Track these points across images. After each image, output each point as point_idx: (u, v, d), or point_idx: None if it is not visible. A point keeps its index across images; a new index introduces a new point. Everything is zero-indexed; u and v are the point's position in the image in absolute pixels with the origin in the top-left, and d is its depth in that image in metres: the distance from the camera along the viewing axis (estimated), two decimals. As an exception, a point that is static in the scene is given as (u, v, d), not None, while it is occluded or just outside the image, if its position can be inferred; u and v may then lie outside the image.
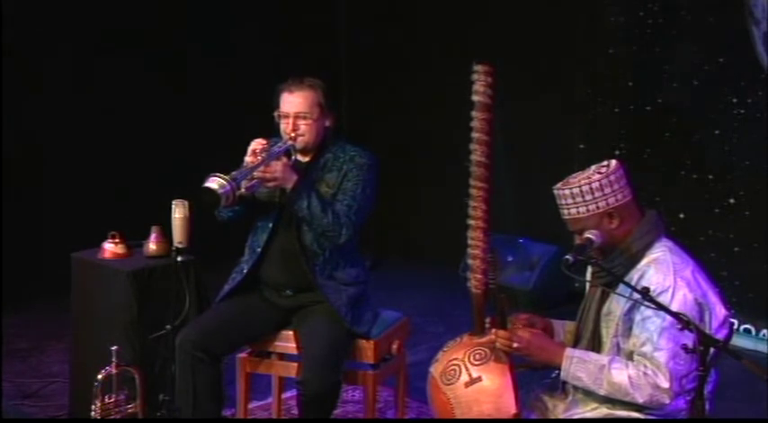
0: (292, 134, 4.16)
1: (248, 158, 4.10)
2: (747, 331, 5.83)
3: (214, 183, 3.88)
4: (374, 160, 4.24)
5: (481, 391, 3.41)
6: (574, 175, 3.41)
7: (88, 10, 6.61)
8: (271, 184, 4.11)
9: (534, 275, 6.52)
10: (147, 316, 4.48)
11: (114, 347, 4.14)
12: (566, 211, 3.38)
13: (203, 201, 3.90)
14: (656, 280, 3.26)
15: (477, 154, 3.43)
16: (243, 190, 4.01)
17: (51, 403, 5.03)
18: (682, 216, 5.98)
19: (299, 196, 4.06)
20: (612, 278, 3.34)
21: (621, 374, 3.24)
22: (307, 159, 4.25)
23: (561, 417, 3.43)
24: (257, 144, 4.13)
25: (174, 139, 6.88)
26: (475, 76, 3.43)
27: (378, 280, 5.26)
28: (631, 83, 6.24)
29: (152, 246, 4.62)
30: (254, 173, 4.04)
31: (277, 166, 4.06)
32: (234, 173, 3.97)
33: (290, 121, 4.18)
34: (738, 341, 5.63)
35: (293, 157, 4.20)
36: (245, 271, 4.29)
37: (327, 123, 4.25)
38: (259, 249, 4.25)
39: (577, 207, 3.34)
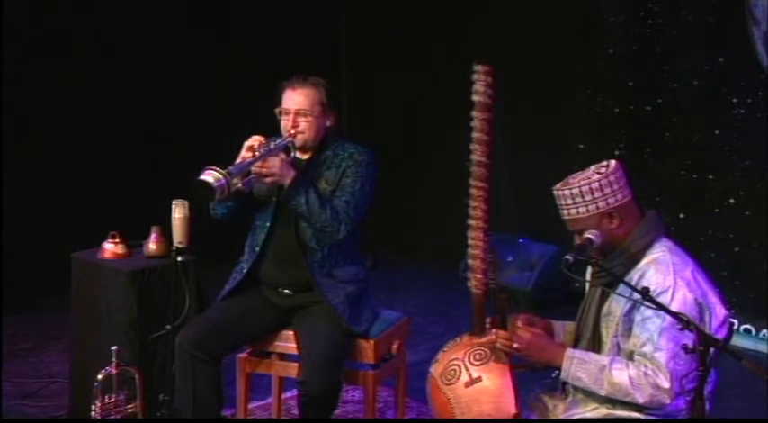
0: (292, 131, 4.16)
1: (244, 153, 4.09)
2: (747, 331, 5.82)
3: (209, 176, 3.87)
4: (373, 157, 4.23)
5: (481, 391, 3.41)
6: (573, 175, 3.41)
7: (88, 9, 6.61)
8: (268, 180, 4.10)
9: (534, 275, 6.51)
10: (147, 316, 4.48)
11: (114, 347, 4.14)
12: (565, 212, 3.38)
13: (198, 194, 3.89)
14: (655, 280, 3.26)
15: (477, 154, 3.44)
16: (239, 185, 4.00)
17: (51, 403, 5.02)
18: (682, 216, 5.98)
19: (296, 192, 4.05)
20: (612, 278, 3.34)
21: (622, 375, 3.24)
22: (306, 157, 4.24)
23: (561, 417, 3.43)
24: (254, 140, 4.11)
25: (175, 139, 6.87)
26: (475, 76, 3.44)
27: (378, 280, 5.26)
28: (631, 83, 6.24)
29: (152, 246, 4.61)
30: (252, 168, 4.04)
31: (275, 162, 4.05)
32: (230, 167, 3.96)
33: (291, 117, 4.17)
34: (738, 341, 5.63)
35: (292, 154, 4.19)
36: (244, 270, 4.28)
37: (328, 123, 4.24)
38: (258, 248, 4.24)
39: (577, 207, 3.34)
